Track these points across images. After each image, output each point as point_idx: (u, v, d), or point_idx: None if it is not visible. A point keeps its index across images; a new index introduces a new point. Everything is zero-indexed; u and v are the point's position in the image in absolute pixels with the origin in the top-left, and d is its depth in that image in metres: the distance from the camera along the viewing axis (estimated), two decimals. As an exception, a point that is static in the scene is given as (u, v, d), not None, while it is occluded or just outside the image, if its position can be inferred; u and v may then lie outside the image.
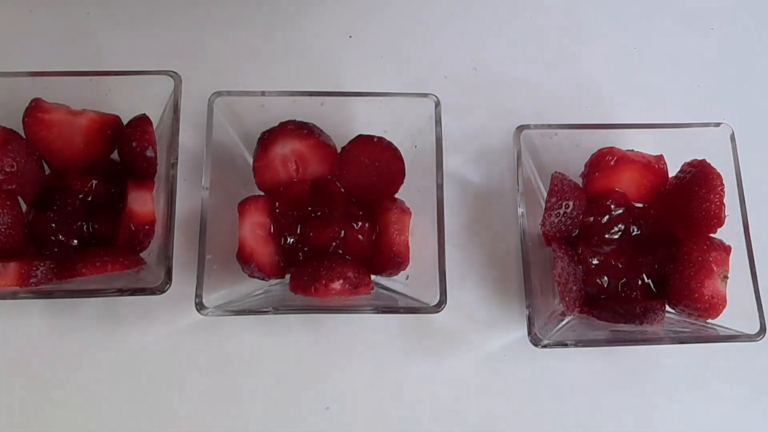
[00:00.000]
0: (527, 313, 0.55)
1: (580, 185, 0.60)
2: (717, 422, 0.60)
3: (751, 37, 0.72)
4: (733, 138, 0.60)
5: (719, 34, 0.71)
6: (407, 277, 0.58)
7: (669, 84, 0.69)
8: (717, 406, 0.60)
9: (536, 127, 0.60)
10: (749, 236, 0.57)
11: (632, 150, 0.60)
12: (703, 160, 0.59)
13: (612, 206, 0.60)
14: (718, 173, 0.58)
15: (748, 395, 0.61)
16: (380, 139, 0.59)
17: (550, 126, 0.60)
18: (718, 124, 0.60)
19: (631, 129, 0.61)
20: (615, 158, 0.59)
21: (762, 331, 0.55)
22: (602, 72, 0.69)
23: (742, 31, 0.72)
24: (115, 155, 0.60)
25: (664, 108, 0.68)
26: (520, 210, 0.58)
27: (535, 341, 0.55)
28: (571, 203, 0.58)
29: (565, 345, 0.55)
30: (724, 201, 0.58)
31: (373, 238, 0.58)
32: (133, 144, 0.56)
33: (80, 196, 0.58)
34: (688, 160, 0.59)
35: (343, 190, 0.60)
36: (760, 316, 0.55)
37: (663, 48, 0.70)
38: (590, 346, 0.58)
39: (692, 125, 0.60)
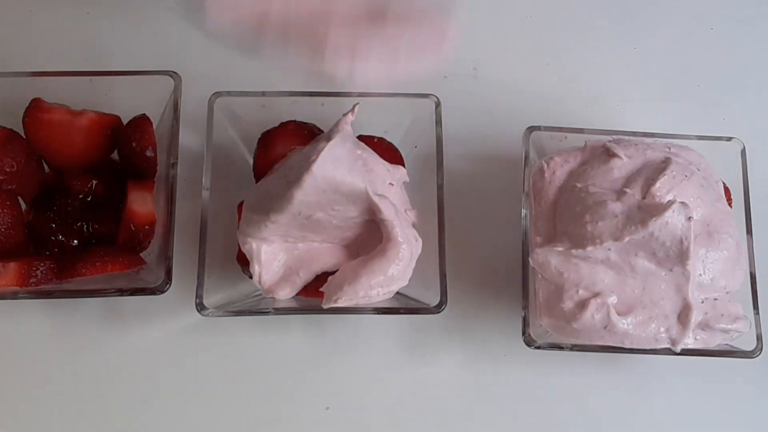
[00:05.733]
0: (523, 314, 0.55)
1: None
2: (715, 426, 0.60)
3: (751, 37, 0.72)
4: (743, 153, 0.59)
5: (719, 34, 0.71)
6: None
7: (668, 84, 0.69)
8: (714, 411, 0.60)
9: (546, 128, 0.59)
10: (751, 233, 0.57)
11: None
12: None
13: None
14: None
15: (747, 400, 0.61)
16: (380, 139, 0.59)
17: (560, 129, 0.60)
18: (729, 139, 0.60)
19: (641, 137, 0.59)
20: None
21: (758, 349, 0.55)
22: (602, 72, 0.69)
23: (742, 30, 0.72)
24: (115, 155, 0.60)
25: (664, 107, 0.68)
26: (524, 211, 0.57)
27: (529, 342, 0.54)
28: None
29: (560, 348, 0.55)
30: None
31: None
32: (133, 144, 0.56)
33: (80, 196, 0.58)
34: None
35: (343, 190, 0.60)
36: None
37: (662, 48, 0.70)
38: (585, 351, 0.56)
39: (703, 138, 0.60)
